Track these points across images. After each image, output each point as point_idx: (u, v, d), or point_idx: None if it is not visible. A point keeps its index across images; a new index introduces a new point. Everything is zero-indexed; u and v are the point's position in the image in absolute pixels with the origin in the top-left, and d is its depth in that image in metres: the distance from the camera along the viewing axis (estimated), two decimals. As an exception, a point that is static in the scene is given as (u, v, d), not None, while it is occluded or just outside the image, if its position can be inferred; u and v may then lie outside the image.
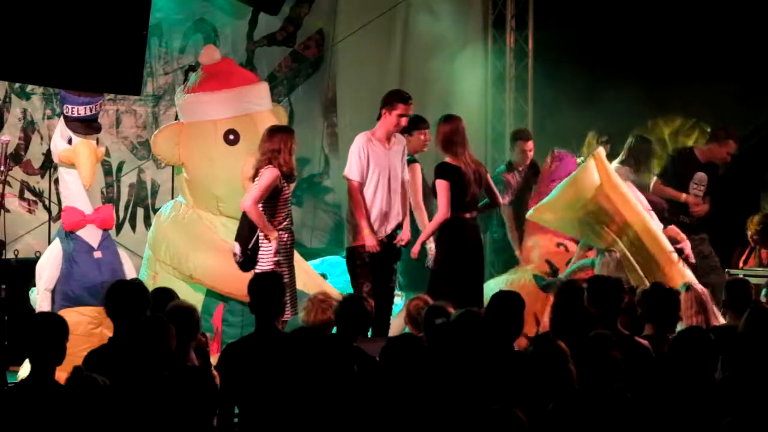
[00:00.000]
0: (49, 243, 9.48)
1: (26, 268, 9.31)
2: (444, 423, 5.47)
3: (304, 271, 9.40)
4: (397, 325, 9.03)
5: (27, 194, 10.90)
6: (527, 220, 10.15)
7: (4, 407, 5.33)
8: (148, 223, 11.02)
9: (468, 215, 9.26)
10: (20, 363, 8.09)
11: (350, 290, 9.07)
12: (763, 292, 8.21)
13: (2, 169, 8.60)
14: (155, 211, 10.77)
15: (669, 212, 9.86)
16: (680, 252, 9.42)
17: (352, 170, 9.15)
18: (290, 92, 11.89)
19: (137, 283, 6.98)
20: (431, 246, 9.24)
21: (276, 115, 9.67)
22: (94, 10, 8.26)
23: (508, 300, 6.62)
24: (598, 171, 9.30)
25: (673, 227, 9.51)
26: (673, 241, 9.44)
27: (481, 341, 6.05)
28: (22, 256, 10.15)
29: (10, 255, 9.75)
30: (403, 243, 9.22)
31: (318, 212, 11.90)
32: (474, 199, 9.32)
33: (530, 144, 10.96)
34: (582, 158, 10.61)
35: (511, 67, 12.67)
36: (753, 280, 8.56)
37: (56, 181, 9.64)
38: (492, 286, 9.63)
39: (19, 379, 7.66)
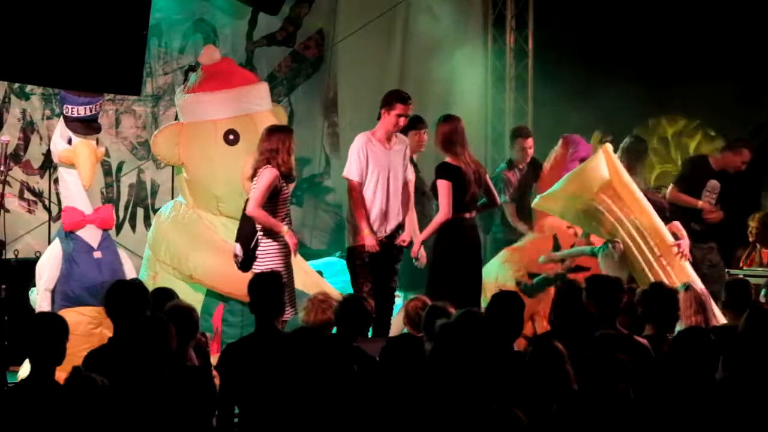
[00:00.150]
0: (49, 243, 9.48)
1: (26, 268, 9.31)
2: (444, 423, 5.47)
3: (304, 271, 9.40)
4: (397, 324, 9.03)
5: (27, 194, 10.91)
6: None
7: (4, 407, 5.34)
8: (148, 223, 11.02)
9: (467, 215, 9.26)
10: (20, 363, 8.09)
11: (347, 290, 9.08)
12: (763, 292, 8.20)
13: (2, 169, 8.59)
14: (155, 211, 10.78)
15: (680, 219, 9.83)
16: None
17: (351, 170, 9.16)
18: (290, 92, 11.90)
19: (137, 283, 6.97)
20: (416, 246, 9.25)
21: (276, 115, 9.67)
22: (94, 10, 8.25)
23: (508, 300, 6.63)
24: (607, 165, 9.26)
25: (675, 223, 9.50)
26: (674, 237, 9.45)
27: (482, 341, 6.05)
28: (22, 256, 10.15)
29: (10, 255, 9.76)
30: (405, 243, 9.22)
31: (319, 212, 11.90)
32: (474, 199, 9.32)
33: (530, 141, 10.95)
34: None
35: (511, 67, 12.68)
36: (753, 280, 8.57)
37: (56, 181, 9.64)
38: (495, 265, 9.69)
39: (19, 379, 7.66)
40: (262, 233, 8.47)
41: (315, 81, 12.01)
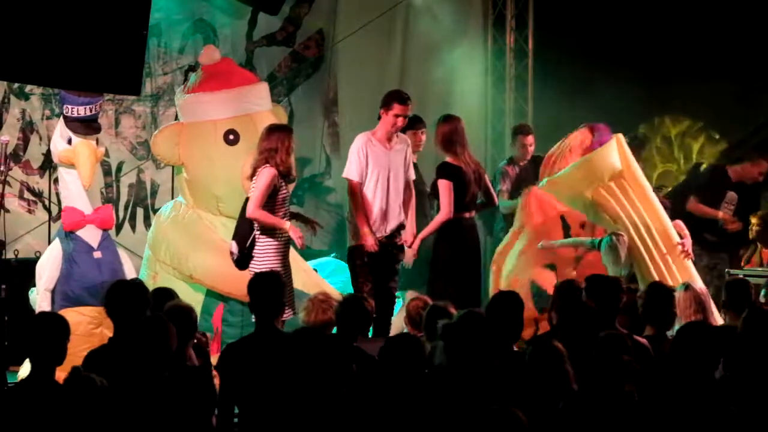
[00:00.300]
0: (49, 243, 9.49)
1: (26, 268, 9.31)
2: (444, 423, 5.47)
3: (303, 271, 9.40)
4: (397, 324, 9.03)
5: (27, 194, 10.91)
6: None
7: (4, 407, 5.34)
8: (147, 223, 11.02)
9: (467, 215, 9.28)
10: (20, 363, 8.08)
11: (344, 290, 9.08)
12: (763, 292, 8.21)
13: (2, 169, 8.59)
14: (155, 211, 10.78)
15: (693, 230, 9.80)
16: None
17: (351, 170, 9.16)
18: (290, 92, 11.89)
19: (137, 283, 6.98)
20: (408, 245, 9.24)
21: (276, 115, 9.66)
22: (94, 10, 8.25)
23: (508, 300, 6.63)
24: (620, 154, 9.24)
25: (678, 222, 9.49)
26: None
27: (484, 341, 6.04)
28: (22, 256, 10.16)
29: (10, 255, 9.76)
30: (407, 244, 9.22)
31: (320, 212, 11.89)
32: (473, 199, 9.33)
33: (531, 138, 10.97)
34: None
35: (511, 67, 12.68)
36: (753, 280, 8.57)
37: (56, 181, 9.65)
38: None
39: (19, 379, 7.66)
40: (259, 232, 8.46)
41: (315, 81, 12.01)
